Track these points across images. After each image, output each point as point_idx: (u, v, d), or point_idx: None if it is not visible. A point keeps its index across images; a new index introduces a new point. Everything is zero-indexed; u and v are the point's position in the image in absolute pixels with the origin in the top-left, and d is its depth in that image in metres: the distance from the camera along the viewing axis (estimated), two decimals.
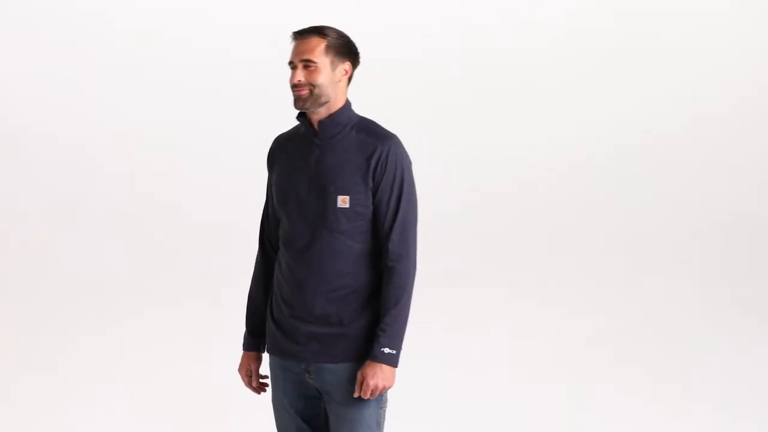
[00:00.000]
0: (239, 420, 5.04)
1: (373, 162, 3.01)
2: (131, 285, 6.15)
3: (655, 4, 6.97)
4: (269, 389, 3.24)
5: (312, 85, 2.98)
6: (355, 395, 3.01)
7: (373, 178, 3.01)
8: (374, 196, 3.01)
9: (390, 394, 3.13)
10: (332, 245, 3.01)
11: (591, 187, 6.84)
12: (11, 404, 5.18)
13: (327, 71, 3.00)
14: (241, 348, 3.24)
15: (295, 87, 3.00)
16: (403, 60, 6.54)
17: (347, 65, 3.06)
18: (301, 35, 3.02)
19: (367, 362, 3.00)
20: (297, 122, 3.15)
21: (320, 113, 3.04)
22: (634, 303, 6.43)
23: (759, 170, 7.02)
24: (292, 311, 3.06)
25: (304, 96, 2.99)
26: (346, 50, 3.05)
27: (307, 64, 2.99)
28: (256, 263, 3.24)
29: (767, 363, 5.78)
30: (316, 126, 3.06)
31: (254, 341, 3.21)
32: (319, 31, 3.02)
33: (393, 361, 3.00)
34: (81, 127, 6.34)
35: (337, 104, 3.05)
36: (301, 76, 2.98)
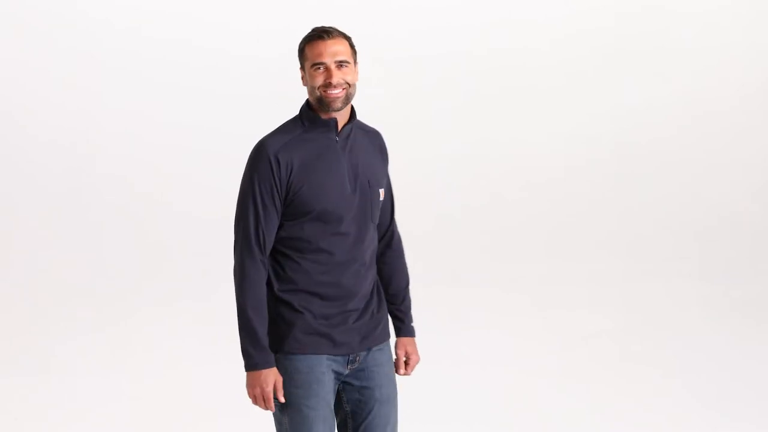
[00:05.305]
0: (239, 420, 5.04)
1: (384, 155, 3.14)
2: (131, 285, 6.15)
3: (655, 4, 6.97)
4: (300, 397, 3.02)
5: (348, 85, 2.99)
6: (403, 372, 3.18)
7: (385, 169, 3.14)
8: None
9: None
10: (373, 238, 3.11)
11: (592, 187, 6.85)
12: (11, 404, 5.18)
13: (355, 71, 3.02)
14: (263, 366, 2.96)
15: (331, 88, 2.96)
16: (402, 60, 6.54)
17: (357, 66, 3.07)
18: (329, 36, 2.98)
19: (406, 339, 3.18)
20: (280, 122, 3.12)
21: (344, 114, 3.04)
22: (634, 303, 6.43)
23: (759, 170, 7.02)
24: (344, 306, 3.05)
25: (342, 96, 2.98)
26: (356, 51, 3.06)
27: (342, 64, 2.98)
28: (255, 272, 2.98)
29: (767, 363, 5.77)
30: (339, 126, 3.04)
31: (271, 355, 3.01)
32: (341, 33, 3.02)
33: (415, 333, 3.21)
34: (81, 127, 6.34)
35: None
36: (339, 76, 2.96)
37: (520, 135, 6.80)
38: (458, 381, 5.33)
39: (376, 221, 3.10)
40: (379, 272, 3.20)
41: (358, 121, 3.13)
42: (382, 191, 3.08)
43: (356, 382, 3.10)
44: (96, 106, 6.37)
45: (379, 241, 3.19)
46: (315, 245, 3.02)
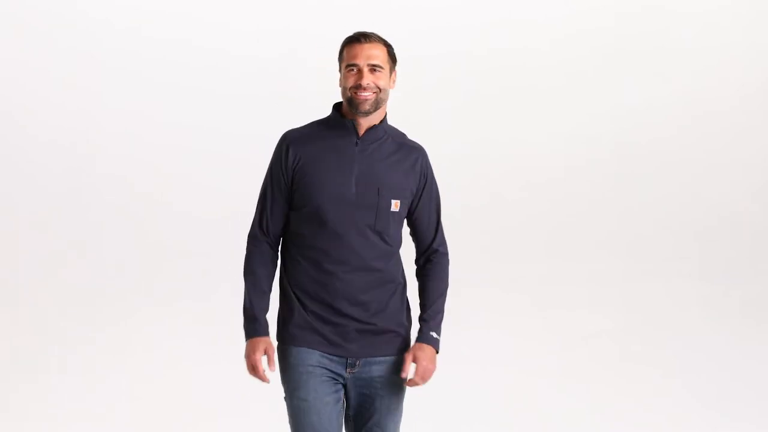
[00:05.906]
0: (239, 420, 5.04)
1: (417, 169, 3.17)
2: (131, 285, 6.15)
3: (655, 4, 6.97)
4: (293, 390, 3.11)
5: (379, 89, 3.06)
6: (405, 375, 3.13)
7: (417, 185, 3.17)
8: (416, 200, 3.18)
9: None
10: (380, 247, 3.11)
11: (592, 187, 6.85)
12: (11, 404, 5.18)
13: (388, 77, 3.10)
14: (252, 335, 3.09)
15: (361, 90, 3.03)
16: (402, 60, 6.53)
17: (395, 74, 3.13)
18: (367, 40, 3.08)
19: (417, 344, 3.16)
20: (301, 121, 3.16)
21: (372, 118, 3.09)
22: (634, 303, 6.43)
23: (759, 170, 7.03)
24: (337, 309, 3.08)
25: (372, 99, 3.05)
26: (395, 60, 3.14)
27: (375, 69, 3.06)
28: (255, 251, 3.15)
29: (767, 363, 5.78)
30: (361, 129, 3.09)
31: (267, 327, 3.14)
32: (381, 39, 3.12)
33: (438, 345, 3.19)
34: (81, 127, 6.34)
35: (385, 110, 3.13)
36: (369, 79, 3.03)
37: (520, 135, 6.79)
38: (458, 381, 5.34)
39: (387, 230, 3.11)
40: (419, 286, 3.26)
41: (400, 133, 3.19)
42: (396, 202, 3.10)
43: (358, 390, 3.14)
44: (96, 106, 6.37)
45: (421, 256, 3.26)
46: (311, 242, 3.08)
